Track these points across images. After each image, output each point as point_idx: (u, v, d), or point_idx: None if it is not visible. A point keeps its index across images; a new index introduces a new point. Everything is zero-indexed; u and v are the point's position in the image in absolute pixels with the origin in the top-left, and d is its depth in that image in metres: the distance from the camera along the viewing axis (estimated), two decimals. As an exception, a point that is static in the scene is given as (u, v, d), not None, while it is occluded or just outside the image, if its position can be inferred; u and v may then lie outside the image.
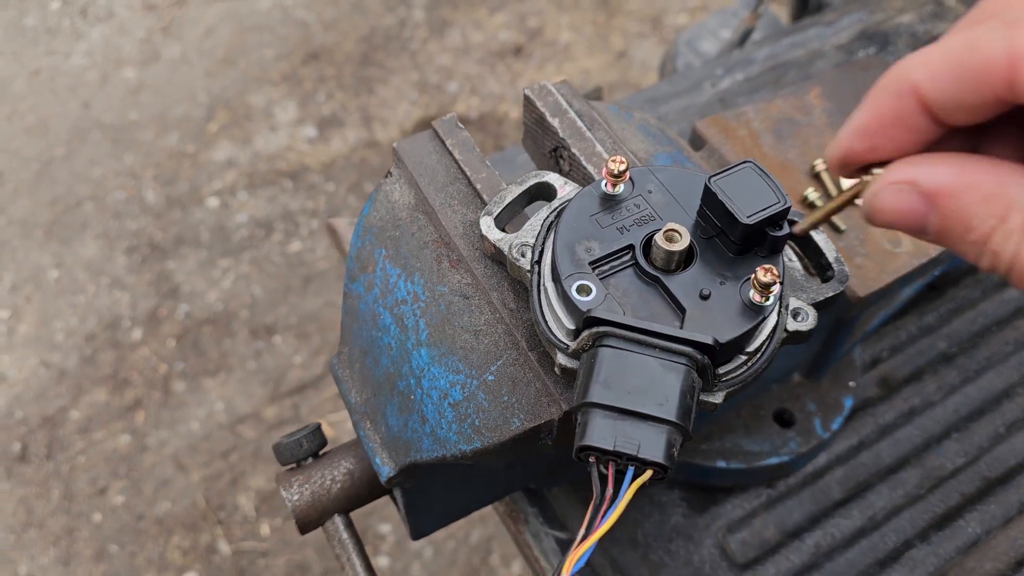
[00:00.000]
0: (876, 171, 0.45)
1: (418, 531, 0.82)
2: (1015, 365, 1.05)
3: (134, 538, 2.13)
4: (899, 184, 0.42)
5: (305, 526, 0.77)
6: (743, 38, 1.42)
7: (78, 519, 2.17)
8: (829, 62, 1.28)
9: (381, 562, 2.06)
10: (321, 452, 0.79)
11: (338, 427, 2.23)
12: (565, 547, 0.91)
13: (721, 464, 0.89)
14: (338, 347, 0.77)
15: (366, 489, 0.77)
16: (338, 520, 0.77)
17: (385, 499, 0.82)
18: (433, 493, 0.78)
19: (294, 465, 0.78)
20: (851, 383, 0.95)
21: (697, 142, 0.88)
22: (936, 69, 0.40)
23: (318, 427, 0.78)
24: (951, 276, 1.12)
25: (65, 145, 2.87)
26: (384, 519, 2.11)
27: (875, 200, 0.44)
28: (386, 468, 0.71)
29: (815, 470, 0.95)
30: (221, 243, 2.62)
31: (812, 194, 0.84)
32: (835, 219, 0.83)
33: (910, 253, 0.80)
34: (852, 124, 0.44)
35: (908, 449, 0.96)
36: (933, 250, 0.80)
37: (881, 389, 1.00)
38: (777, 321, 0.58)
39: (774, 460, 0.90)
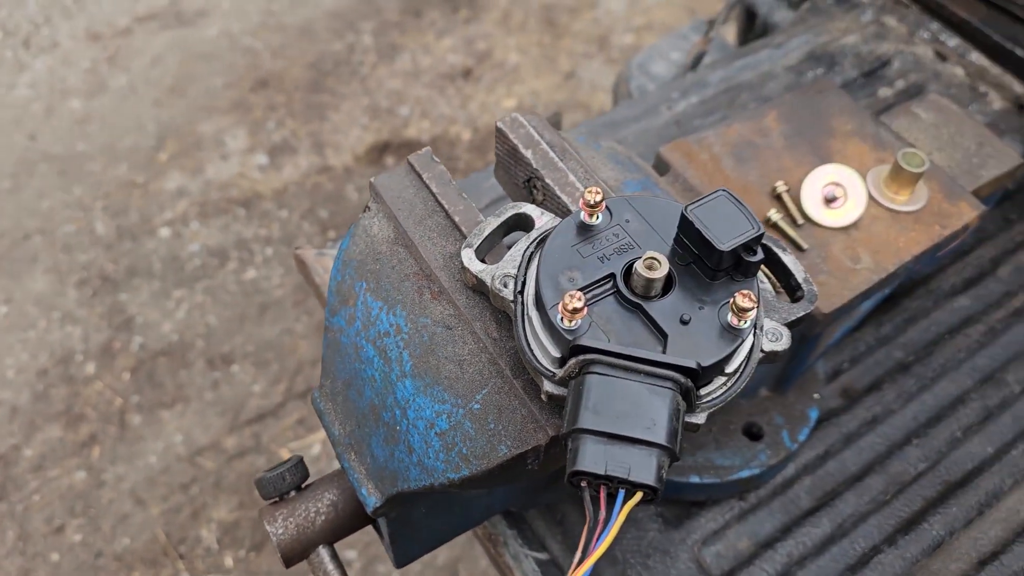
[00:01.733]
0: None
1: (403, 559, 0.83)
2: (968, 371, 1.09)
3: (93, 577, 2.09)
4: None
5: (290, 559, 0.77)
6: (696, 61, 1.45)
7: (34, 560, 2.12)
8: (780, 83, 1.32)
9: (347, 588, 2.05)
10: (304, 485, 0.79)
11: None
12: (545, 568, 0.92)
13: (695, 479, 0.91)
14: (319, 381, 0.78)
15: (350, 520, 0.78)
16: (323, 552, 0.78)
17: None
18: (417, 521, 0.78)
19: (277, 499, 0.78)
20: (816, 395, 0.98)
21: (661, 167, 0.90)
22: None
23: (300, 460, 0.78)
24: (904, 287, 1.16)
25: (11, 178, 2.82)
26: (350, 545, 2.09)
27: None
28: (372, 498, 0.71)
29: (784, 481, 0.97)
30: (174, 273, 2.59)
31: (775, 215, 0.87)
32: (797, 238, 0.86)
33: (870, 269, 0.83)
34: None
35: (872, 456, 0.99)
36: (891, 265, 0.83)
37: (843, 399, 1.03)
38: (754, 342, 0.60)
39: (745, 473, 0.92)
